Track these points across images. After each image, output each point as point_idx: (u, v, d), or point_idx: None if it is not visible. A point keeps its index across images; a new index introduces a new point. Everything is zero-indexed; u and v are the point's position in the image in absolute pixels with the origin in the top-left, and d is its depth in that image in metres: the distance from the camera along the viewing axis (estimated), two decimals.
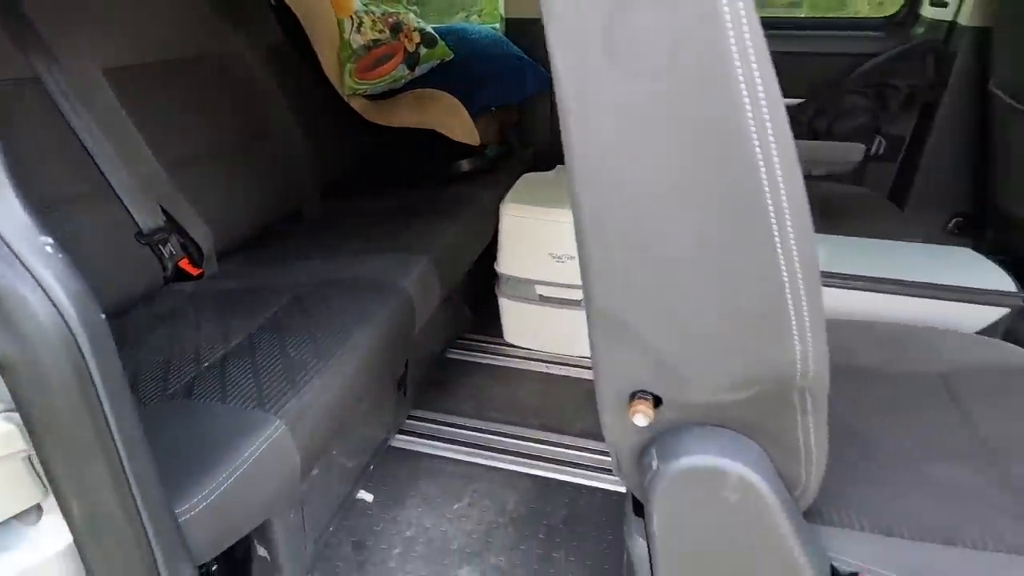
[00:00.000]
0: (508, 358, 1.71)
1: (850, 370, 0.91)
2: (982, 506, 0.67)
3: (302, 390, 0.82)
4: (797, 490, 0.59)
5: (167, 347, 0.98)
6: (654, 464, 0.57)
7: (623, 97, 0.41)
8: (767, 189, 0.40)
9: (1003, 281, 1.05)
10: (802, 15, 2.28)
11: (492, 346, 1.76)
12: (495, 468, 1.34)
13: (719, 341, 0.47)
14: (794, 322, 0.44)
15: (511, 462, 1.35)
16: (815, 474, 0.57)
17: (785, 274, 0.42)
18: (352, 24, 1.62)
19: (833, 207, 1.66)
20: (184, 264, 1.24)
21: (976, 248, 1.73)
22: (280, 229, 1.51)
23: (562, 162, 0.44)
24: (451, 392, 1.58)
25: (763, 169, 0.39)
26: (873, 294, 1.06)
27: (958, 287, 1.03)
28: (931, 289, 1.03)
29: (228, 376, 0.86)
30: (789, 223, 0.41)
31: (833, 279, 1.07)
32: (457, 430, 1.45)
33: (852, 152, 1.26)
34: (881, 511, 0.67)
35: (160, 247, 1.19)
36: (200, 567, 0.79)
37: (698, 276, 0.45)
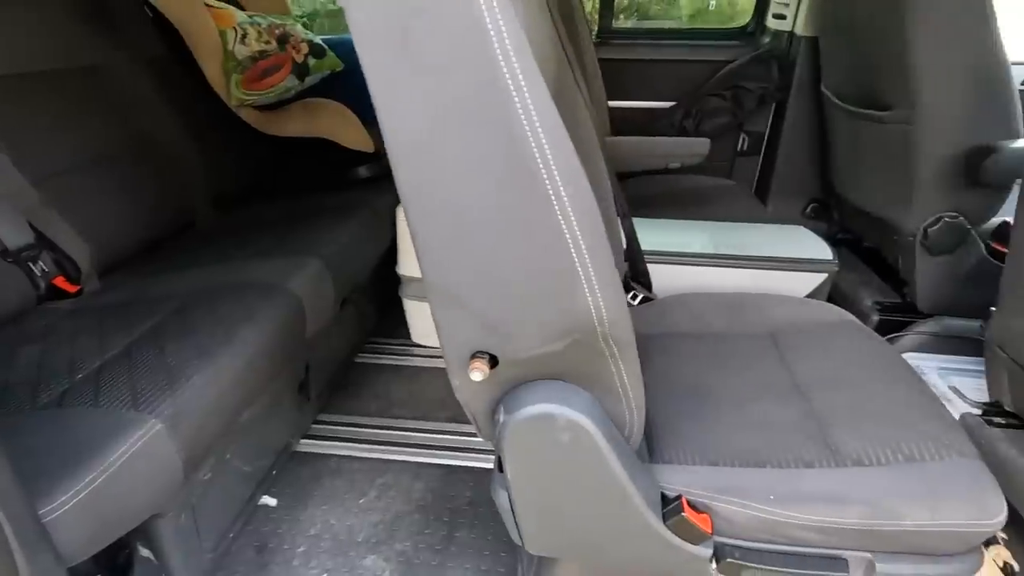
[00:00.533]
0: (415, 357, 1.76)
1: (697, 334, 1.03)
2: (788, 433, 0.80)
3: (180, 390, 0.83)
4: (626, 429, 0.68)
5: (38, 364, 0.95)
6: (502, 418, 0.65)
7: (419, 89, 0.48)
8: (540, 163, 0.48)
9: (824, 252, 1.22)
10: (671, 27, 2.49)
11: (399, 347, 1.80)
12: (401, 461, 1.38)
13: (528, 299, 0.55)
14: (583, 277, 0.53)
15: (417, 454, 1.40)
16: (637, 413, 0.67)
17: (568, 237, 0.51)
18: (236, 35, 1.62)
19: (704, 197, 1.84)
20: (59, 281, 1.20)
21: (828, 228, 1.97)
22: (170, 240, 1.48)
23: None
24: (358, 395, 1.61)
25: (534, 147, 0.48)
26: (720, 268, 1.21)
27: (788, 259, 1.19)
28: (767, 262, 1.19)
29: (102, 384, 0.85)
30: (564, 193, 0.50)
31: (687, 258, 1.21)
32: (364, 430, 1.48)
33: (699, 146, 1.41)
34: (709, 447, 0.78)
35: (30, 264, 1.15)
36: None
37: (502, 242, 0.53)
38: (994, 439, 1.04)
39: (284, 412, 1.31)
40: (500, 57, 0.45)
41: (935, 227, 1.38)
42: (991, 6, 1.18)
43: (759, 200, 1.85)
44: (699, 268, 1.22)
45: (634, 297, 1.17)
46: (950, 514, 0.67)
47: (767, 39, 1.96)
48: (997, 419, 1.08)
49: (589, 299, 0.54)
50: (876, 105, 1.44)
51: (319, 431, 1.46)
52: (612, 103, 2.10)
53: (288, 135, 1.75)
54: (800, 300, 1.14)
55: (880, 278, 1.71)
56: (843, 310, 1.10)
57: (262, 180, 1.84)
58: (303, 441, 1.42)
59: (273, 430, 1.28)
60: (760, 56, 1.87)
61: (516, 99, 0.46)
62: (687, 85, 2.01)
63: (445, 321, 0.60)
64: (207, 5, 1.63)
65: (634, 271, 1.19)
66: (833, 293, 1.94)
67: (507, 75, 0.46)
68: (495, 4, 0.44)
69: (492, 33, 0.45)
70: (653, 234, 1.28)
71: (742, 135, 2.08)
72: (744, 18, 2.10)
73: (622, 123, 2.09)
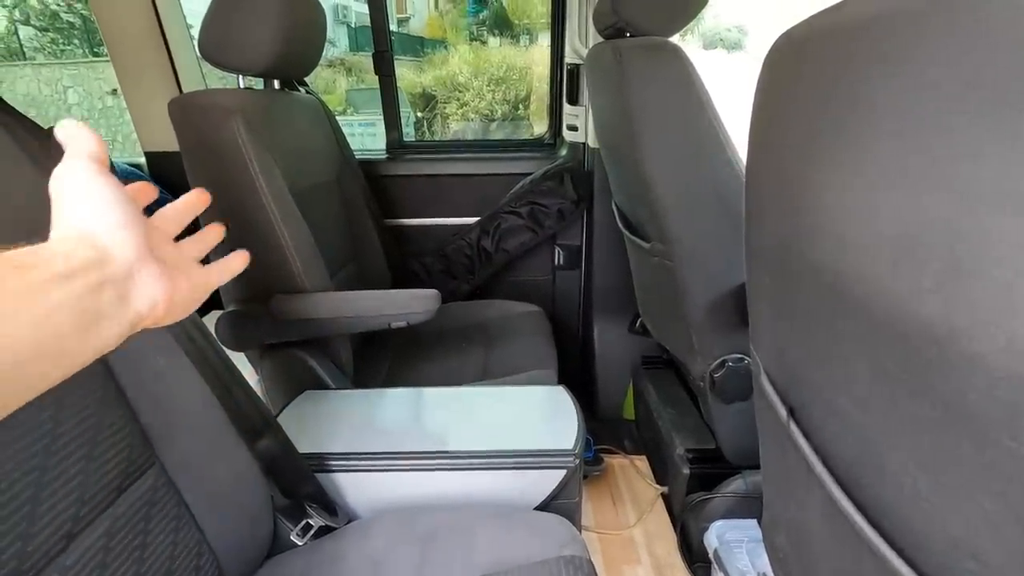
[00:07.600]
0: None
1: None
2: None
3: None
4: None
5: None
6: None
7: None
8: None
9: (567, 437, 0.94)
10: (468, 139, 2.36)
11: None
12: None
13: None
14: None
15: None
16: None
17: None
18: None
19: (501, 326, 1.60)
20: None
21: (660, 347, 1.75)
22: None
23: None
24: None
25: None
26: (434, 473, 0.91)
27: (513, 453, 0.91)
28: (486, 459, 0.91)
29: None
30: None
31: (385, 460, 0.91)
32: None
33: (429, 301, 1.15)
34: None
35: None
36: None
37: None
38: None
39: None
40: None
41: (719, 373, 1.17)
42: (723, 132, 1.02)
43: (549, 325, 1.62)
44: (406, 474, 0.92)
45: (305, 529, 0.85)
46: None
47: (564, 151, 1.82)
48: None
49: None
50: (639, 234, 1.26)
51: None
52: (408, 221, 1.88)
53: None
54: (522, 518, 0.86)
55: (700, 415, 1.49)
56: (575, 533, 0.82)
57: None
58: None
59: None
60: (551, 171, 1.71)
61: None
62: (488, 201, 1.82)
63: None
64: None
65: (308, 490, 0.87)
66: (647, 432, 1.69)
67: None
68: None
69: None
70: (362, 425, 0.99)
71: (556, 249, 1.90)
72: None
73: (424, 242, 1.87)
